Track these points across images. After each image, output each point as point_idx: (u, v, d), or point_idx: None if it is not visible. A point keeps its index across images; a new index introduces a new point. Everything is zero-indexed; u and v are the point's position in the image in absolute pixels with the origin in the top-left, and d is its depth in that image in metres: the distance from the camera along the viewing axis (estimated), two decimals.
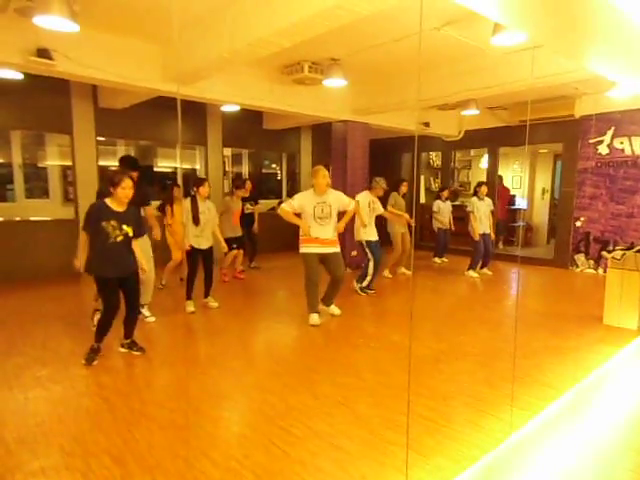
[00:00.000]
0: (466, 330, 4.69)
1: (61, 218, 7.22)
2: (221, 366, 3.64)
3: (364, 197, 5.99)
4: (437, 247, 8.63)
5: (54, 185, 7.98)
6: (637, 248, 4.78)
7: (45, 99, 6.60)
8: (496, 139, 8.94)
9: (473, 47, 5.05)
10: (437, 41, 4.89)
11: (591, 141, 7.71)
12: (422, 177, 11.07)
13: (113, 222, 3.43)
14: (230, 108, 7.69)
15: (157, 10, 4.23)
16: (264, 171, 11.07)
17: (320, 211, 4.61)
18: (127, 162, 4.60)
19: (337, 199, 4.75)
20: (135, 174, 4.10)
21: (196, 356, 3.90)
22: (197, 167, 8.92)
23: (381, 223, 6.49)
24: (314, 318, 4.65)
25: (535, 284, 7.20)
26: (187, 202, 4.98)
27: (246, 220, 7.10)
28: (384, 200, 6.46)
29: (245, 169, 10.34)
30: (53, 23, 3.65)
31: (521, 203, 10.49)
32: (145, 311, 4.67)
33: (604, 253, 5.04)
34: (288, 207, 4.63)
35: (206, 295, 5.24)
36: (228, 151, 9.63)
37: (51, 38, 4.30)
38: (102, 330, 3.59)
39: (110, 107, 7.09)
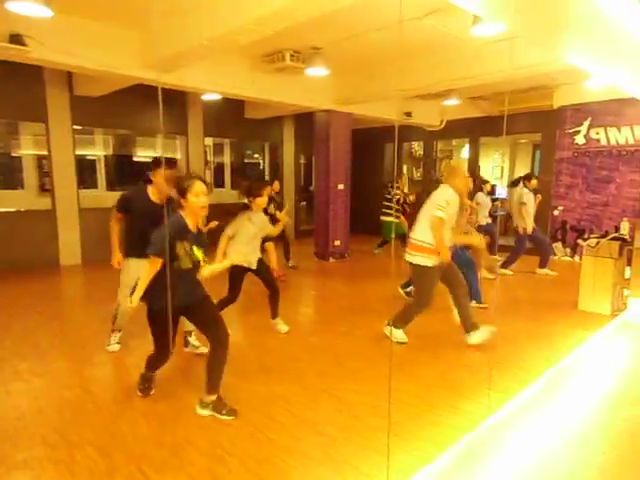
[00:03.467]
0: (448, 318, 4.78)
1: (37, 209, 7.05)
2: (204, 355, 3.64)
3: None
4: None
5: (29, 175, 7.78)
6: (611, 236, 4.94)
7: (18, 86, 6.39)
8: (477, 129, 9.05)
9: (454, 37, 5.08)
10: (418, 31, 4.91)
11: (569, 131, 7.87)
12: (404, 167, 11.14)
13: (187, 245, 2.54)
14: (211, 97, 7.59)
15: None
16: (246, 161, 10.98)
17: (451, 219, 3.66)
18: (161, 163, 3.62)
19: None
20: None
21: (179, 347, 3.90)
22: (178, 157, 8.80)
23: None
24: (402, 336, 3.92)
25: (514, 272, 7.37)
26: (242, 214, 3.88)
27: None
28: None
29: (227, 159, 10.25)
30: (26, 8, 3.55)
31: (501, 192, 10.67)
32: (194, 340, 3.75)
33: (580, 241, 5.18)
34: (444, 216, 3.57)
35: (274, 316, 4.23)
36: (209, 140, 9.52)
37: (24, 23, 4.15)
38: (152, 367, 2.88)
39: (87, 95, 6.91)
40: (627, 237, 5.02)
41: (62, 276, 6.65)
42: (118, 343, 3.74)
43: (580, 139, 7.79)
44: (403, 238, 7.48)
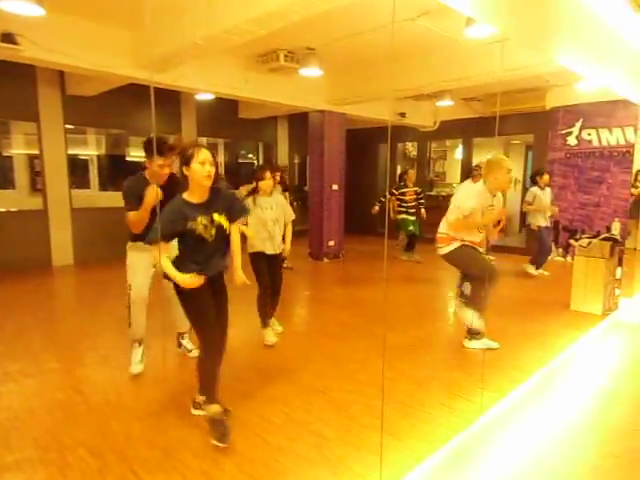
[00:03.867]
0: (441, 317, 4.81)
1: (29, 209, 6.99)
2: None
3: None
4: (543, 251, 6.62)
5: (20, 175, 7.72)
6: (602, 236, 4.98)
7: (9, 85, 6.34)
8: (470, 130, 9.10)
9: (447, 38, 5.11)
10: (412, 32, 4.92)
11: (561, 132, 7.93)
12: (398, 167, 11.17)
13: (203, 219, 2.39)
14: (204, 97, 7.58)
15: None
16: (240, 161, 10.96)
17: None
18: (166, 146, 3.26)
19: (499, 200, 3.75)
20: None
21: (173, 347, 3.88)
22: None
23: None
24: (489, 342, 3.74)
25: (507, 272, 7.41)
26: (249, 200, 3.77)
27: None
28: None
29: (221, 159, 10.22)
30: (18, 7, 3.52)
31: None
32: (187, 343, 3.67)
33: (572, 241, 5.21)
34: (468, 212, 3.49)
35: (271, 314, 4.07)
36: (203, 140, 9.49)
37: (16, 22, 4.12)
38: (208, 381, 2.56)
39: (79, 94, 6.86)
40: (618, 237, 5.07)
41: (54, 277, 6.60)
42: (141, 362, 3.28)
43: (572, 140, 7.86)
44: (412, 238, 7.57)
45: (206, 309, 2.46)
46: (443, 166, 11.81)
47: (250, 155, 11.04)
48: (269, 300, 3.96)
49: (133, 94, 6.03)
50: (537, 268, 6.64)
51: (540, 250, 6.59)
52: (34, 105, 6.64)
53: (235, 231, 2.57)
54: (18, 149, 7.68)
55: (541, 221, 6.41)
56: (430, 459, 2.25)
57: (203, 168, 2.33)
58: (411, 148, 11.35)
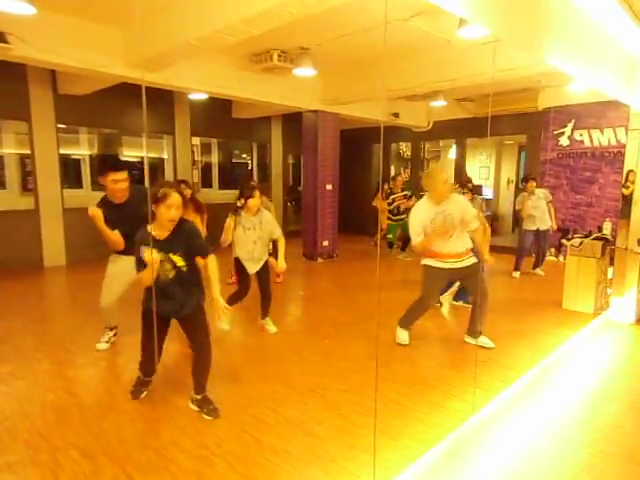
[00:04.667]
0: (434, 317, 4.82)
1: (20, 209, 6.92)
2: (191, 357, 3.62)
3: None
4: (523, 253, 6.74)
5: (11, 174, 7.63)
6: (594, 236, 5.02)
7: (0, 84, 6.28)
8: (464, 130, 9.14)
9: (440, 39, 5.12)
10: (405, 33, 4.94)
11: (553, 133, 7.99)
12: (392, 167, 11.20)
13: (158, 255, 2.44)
14: (198, 96, 7.54)
15: None
16: (234, 161, 10.93)
17: (444, 220, 3.60)
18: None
19: (459, 205, 3.72)
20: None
21: (166, 348, 3.86)
22: (165, 156, 8.72)
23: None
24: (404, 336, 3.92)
25: (500, 271, 7.45)
26: (231, 219, 3.83)
27: None
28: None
29: (215, 159, 10.19)
30: (8, 5, 3.48)
31: (488, 193, 10.79)
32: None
33: (564, 241, 5.25)
34: (417, 239, 3.61)
35: (264, 315, 4.23)
36: (197, 140, 9.46)
37: (6, 21, 4.08)
38: (143, 366, 2.88)
39: (71, 93, 6.81)
40: (610, 237, 5.12)
41: (46, 277, 6.55)
42: (107, 342, 3.71)
43: (564, 140, 7.92)
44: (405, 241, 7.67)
45: (147, 340, 2.74)
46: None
47: (244, 155, 11.01)
48: (261, 303, 4.15)
49: (126, 93, 5.99)
50: (515, 269, 6.72)
51: (539, 251, 6.73)
52: (25, 104, 6.58)
53: (210, 262, 2.64)
54: (9, 148, 7.59)
55: (528, 225, 6.52)
56: (423, 458, 2.26)
57: (169, 212, 2.44)
58: (405, 148, 11.39)
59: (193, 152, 9.14)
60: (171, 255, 2.51)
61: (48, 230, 6.97)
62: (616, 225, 5.14)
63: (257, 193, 3.80)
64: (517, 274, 6.70)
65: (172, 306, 2.60)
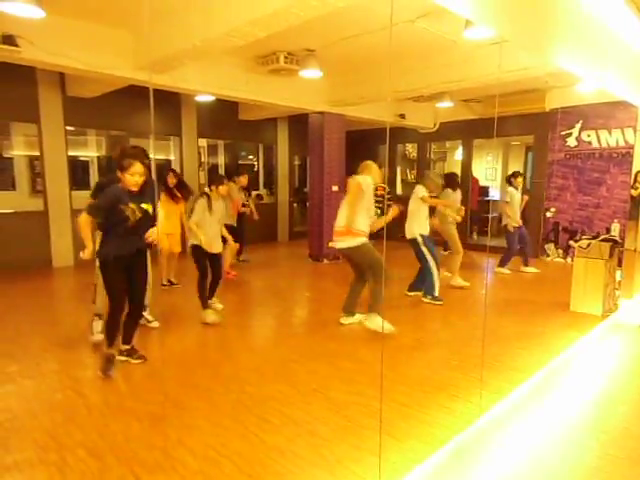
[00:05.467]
0: (441, 318, 4.81)
1: (29, 210, 7.00)
2: (198, 358, 3.64)
3: (420, 189, 5.30)
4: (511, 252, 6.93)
5: (21, 176, 7.73)
6: (602, 237, 4.98)
7: (10, 87, 6.35)
8: (470, 131, 9.10)
9: (446, 40, 5.12)
10: (411, 34, 4.94)
11: (560, 133, 7.94)
12: (398, 168, 11.18)
13: (133, 205, 3.07)
14: (205, 98, 7.59)
15: None
16: (240, 162, 10.98)
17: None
18: (131, 153, 3.81)
19: None
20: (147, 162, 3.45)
21: (172, 348, 3.89)
22: (172, 158, 8.78)
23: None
24: (385, 324, 3.97)
25: (508, 273, 7.41)
26: (203, 200, 4.36)
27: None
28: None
29: (221, 160, 10.24)
30: (18, 9, 3.53)
31: (494, 194, 10.74)
32: (147, 315, 4.21)
33: (571, 242, 5.22)
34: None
35: (211, 296, 4.72)
36: (203, 142, 9.51)
37: (16, 24, 4.14)
38: (111, 332, 3.22)
39: (79, 96, 6.89)
40: (618, 238, 5.07)
41: (54, 278, 6.61)
42: (101, 332, 3.65)
43: (572, 141, 7.86)
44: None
45: (116, 281, 3.18)
46: (443, 167, 11.82)
47: (250, 156, 11.05)
48: (211, 284, 4.59)
49: (133, 95, 6.05)
50: (500, 266, 6.92)
51: (509, 250, 6.90)
52: (34, 107, 6.66)
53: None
54: (18, 150, 7.69)
55: (516, 221, 6.70)
56: (429, 460, 2.25)
57: (132, 179, 3.03)
58: (411, 149, 11.36)
59: (200, 153, 9.19)
60: (143, 205, 3.13)
61: (57, 231, 7.04)
62: (624, 226, 5.10)
63: (226, 181, 4.52)
64: (505, 270, 6.88)
65: (135, 242, 3.18)
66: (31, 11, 3.58)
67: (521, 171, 10.47)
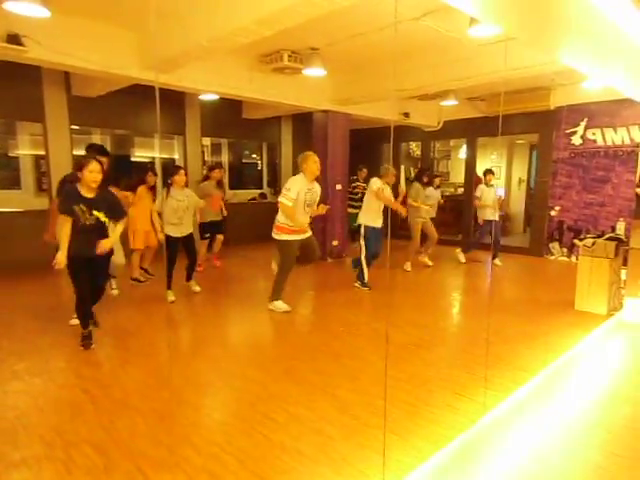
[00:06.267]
0: (446, 317, 4.81)
1: (35, 209, 7.03)
2: (203, 355, 3.66)
3: (375, 182, 5.65)
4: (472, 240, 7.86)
5: (26, 175, 7.77)
6: (607, 236, 4.96)
7: (15, 86, 6.39)
8: (474, 130, 9.08)
9: (451, 38, 5.10)
10: (415, 32, 4.92)
11: (566, 132, 7.90)
12: (402, 167, 11.16)
13: (82, 207, 3.46)
14: (209, 97, 7.60)
15: None
16: (244, 161, 10.99)
17: (310, 198, 4.62)
18: (95, 149, 4.42)
19: (318, 188, 4.77)
20: (105, 159, 3.96)
21: (177, 346, 3.91)
22: (176, 157, 8.80)
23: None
24: (282, 305, 4.73)
25: (512, 272, 7.40)
26: (163, 191, 5.01)
27: None
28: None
29: (225, 159, 10.25)
30: (24, 8, 3.55)
31: (499, 192, 10.68)
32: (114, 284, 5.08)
33: (576, 241, 5.20)
34: (290, 202, 4.49)
35: (188, 279, 5.34)
36: (207, 141, 9.52)
37: (22, 23, 4.16)
38: (80, 314, 3.73)
39: (84, 95, 6.91)
40: (623, 237, 5.05)
41: (60, 277, 6.63)
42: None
43: (577, 140, 7.82)
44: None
45: (78, 278, 3.60)
46: (447, 166, 11.79)
47: (254, 155, 11.06)
48: (187, 267, 5.27)
49: (138, 95, 6.07)
50: (464, 251, 7.53)
51: (474, 240, 7.59)
52: (40, 106, 6.69)
53: (118, 225, 3.72)
54: (24, 150, 7.73)
55: (487, 215, 7.23)
56: (433, 458, 2.25)
57: (91, 175, 3.42)
58: (415, 148, 11.34)
59: (203, 152, 9.21)
60: (95, 212, 3.50)
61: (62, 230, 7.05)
62: (630, 225, 5.07)
63: (182, 172, 5.01)
64: (463, 258, 7.48)
65: (89, 247, 3.50)
66: (36, 11, 3.60)
67: (526, 170, 10.53)
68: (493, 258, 7.50)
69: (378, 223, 5.62)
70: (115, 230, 3.71)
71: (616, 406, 2.93)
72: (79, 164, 3.46)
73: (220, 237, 6.70)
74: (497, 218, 7.41)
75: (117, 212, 3.71)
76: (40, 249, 6.88)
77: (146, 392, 2.99)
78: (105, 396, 2.93)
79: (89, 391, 2.99)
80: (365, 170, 8.56)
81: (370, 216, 5.60)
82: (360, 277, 5.76)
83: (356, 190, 8.31)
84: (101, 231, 3.58)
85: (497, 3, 2.47)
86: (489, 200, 7.14)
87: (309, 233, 4.77)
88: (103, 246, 3.55)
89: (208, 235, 6.45)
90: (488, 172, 7.31)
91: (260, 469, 2.19)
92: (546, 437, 2.54)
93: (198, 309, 5.00)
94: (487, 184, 7.22)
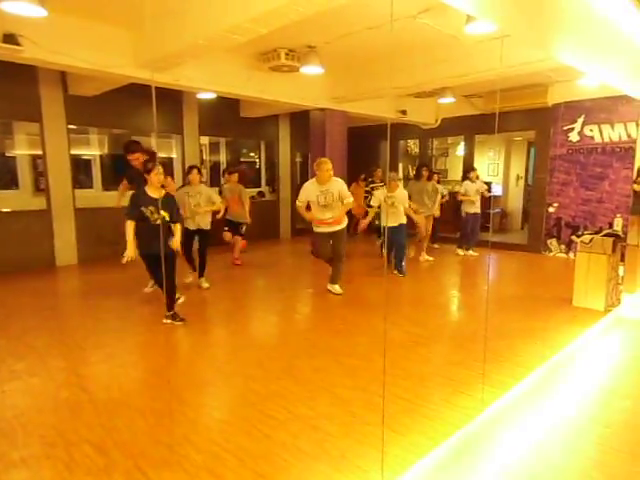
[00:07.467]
0: (444, 314, 4.82)
1: (32, 209, 7.02)
2: (203, 354, 3.66)
3: (382, 194, 6.31)
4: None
5: (23, 175, 7.75)
6: (604, 232, 4.98)
7: (11, 86, 6.37)
8: (472, 127, 9.08)
9: (447, 35, 5.10)
10: (412, 29, 4.92)
11: (564, 128, 7.92)
12: (400, 164, 11.17)
13: (151, 208, 3.97)
14: (206, 96, 7.59)
15: None
16: (242, 159, 10.98)
17: (323, 199, 5.10)
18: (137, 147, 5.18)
19: (339, 187, 5.15)
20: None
21: (179, 344, 3.92)
22: (174, 156, 8.79)
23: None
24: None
25: (510, 269, 7.42)
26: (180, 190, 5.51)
27: None
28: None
29: (223, 157, 10.24)
30: (20, 8, 3.54)
31: (496, 190, 10.71)
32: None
33: (574, 237, 5.23)
34: (299, 203, 5.29)
35: (200, 275, 5.61)
36: (205, 139, 9.51)
37: (18, 23, 4.15)
38: (173, 295, 4.34)
39: (81, 94, 6.89)
40: (621, 233, 5.06)
41: (58, 276, 6.64)
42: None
43: (574, 136, 7.83)
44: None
45: (153, 269, 4.37)
46: (445, 163, 11.79)
47: (252, 154, 11.05)
48: (197, 262, 5.58)
49: (135, 94, 6.05)
50: (459, 247, 8.08)
51: (462, 234, 8.05)
52: (36, 105, 6.67)
53: (177, 225, 4.23)
54: (21, 149, 7.71)
55: (469, 209, 7.76)
56: (432, 454, 2.27)
57: (157, 177, 4.06)
58: (413, 145, 11.34)
59: (201, 151, 9.19)
60: (162, 212, 3.99)
61: (60, 229, 7.06)
62: (627, 221, 5.08)
63: (195, 170, 5.45)
64: (462, 252, 8.02)
65: (156, 244, 3.92)
66: (33, 10, 3.59)
67: (523, 166, 10.54)
68: (467, 249, 8.01)
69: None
70: (176, 230, 4.20)
71: (614, 401, 2.94)
72: (146, 167, 4.09)
73: (237, 238, 6.84)
74: (479, 211, 7.86)
75: (176, 215, 4.23)
76: (36, 248, 6.92)
77: (146, 391, 3.00)
78: (104, 395, 2.93)
79: (88, 390, 2.99)
80: (380, 170, 8.77)
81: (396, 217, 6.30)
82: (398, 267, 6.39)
83: (375, 192, 8.43)
84: (166, 229, 4.04)
85: (492, 0, 2.47)
86: (472, 194, 7.71)
87: (336, 227, 5.27)
88: (176, 244, 4.13)
89: (227, 229, 6.72)
90: (471, 169, 7.98)
91: (260, 467, 2.20)
92: (544, 432, 2.55)
93: (199, 309, 5.00)
94: (472, 180, 7.73)
